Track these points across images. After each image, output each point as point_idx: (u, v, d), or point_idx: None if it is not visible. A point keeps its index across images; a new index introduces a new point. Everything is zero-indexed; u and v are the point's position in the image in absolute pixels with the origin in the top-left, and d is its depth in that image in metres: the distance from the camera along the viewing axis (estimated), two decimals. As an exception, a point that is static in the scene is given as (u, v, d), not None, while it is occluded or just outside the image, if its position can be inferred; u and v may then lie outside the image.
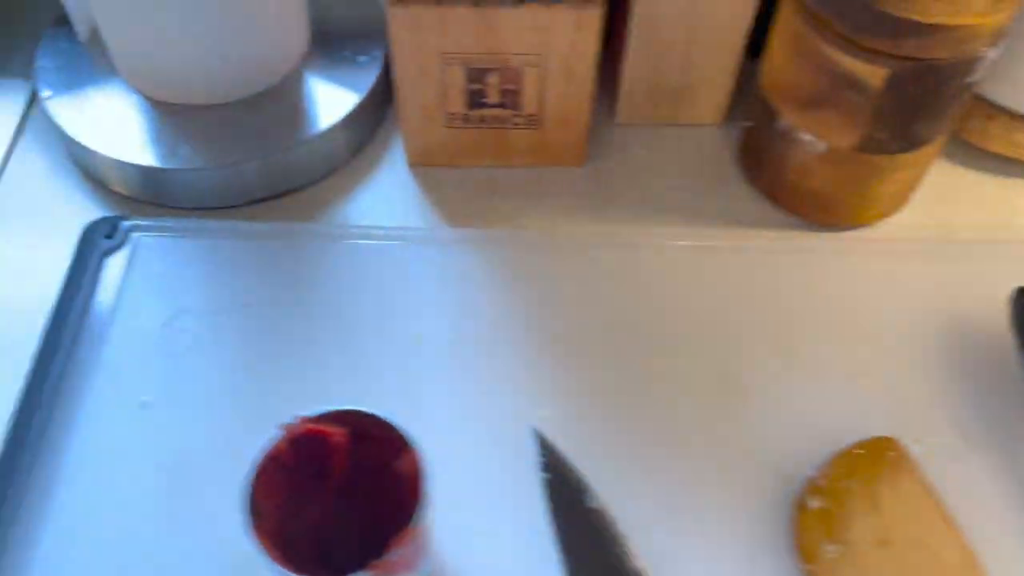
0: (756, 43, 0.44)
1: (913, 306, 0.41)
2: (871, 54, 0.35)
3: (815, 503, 0.35)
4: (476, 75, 0.41)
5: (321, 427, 0.26)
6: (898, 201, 0.43)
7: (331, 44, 0.47)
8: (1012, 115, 0.44)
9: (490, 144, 0.44)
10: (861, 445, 0.36)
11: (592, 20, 0.39)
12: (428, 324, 0.40)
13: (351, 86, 0.46)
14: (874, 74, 0.36)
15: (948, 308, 0.40)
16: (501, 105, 0.42)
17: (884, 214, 0.43)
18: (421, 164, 0.46)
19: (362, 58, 0.46)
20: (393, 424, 0.27)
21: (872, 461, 0.36)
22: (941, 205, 0.44)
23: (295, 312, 0.40)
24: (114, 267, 0.41)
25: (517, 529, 0.34)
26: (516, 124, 0.43)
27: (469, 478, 0.35)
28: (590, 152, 0.46)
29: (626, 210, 0.45)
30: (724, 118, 0.47)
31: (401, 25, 0.39)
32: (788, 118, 0.40)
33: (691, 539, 0.34)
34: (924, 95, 0.37)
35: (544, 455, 0.35)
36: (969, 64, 0.35)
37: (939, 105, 0.37)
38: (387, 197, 0.45)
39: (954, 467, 0.36)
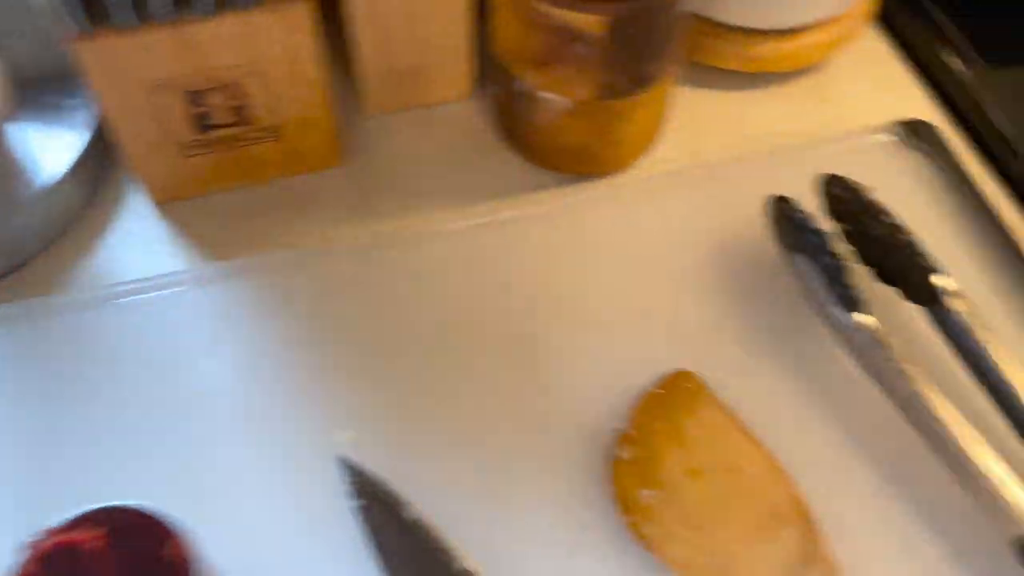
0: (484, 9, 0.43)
1: (680, 237, 0.41)
2: (588, 4, 0.35)
3: (626, 453, 0.35)
4: (195, 98, 0.38)
5: (71, 536, 0.24)
6: (649, 137, 0.44)
7: (31, 92, 0.42)
8: (741, 31, 0.45)
9: (236, 164, 0.42)
10: (660, 384, 0.37)
11: (300, 19, 0.36)
12: (208, 376, 0.37)
13: (66, 133, 0.41)
14: (595, 23, 0.36)
15: (713, 230, 0.42)
16: (234, 123, 0.40)
17: (640, 152, 0.44)
18: (168, 200, 0.42)
19: (69, 101, 0.42)
20: (152, 512, 0.24)
21: (672, 398, 0.37)
22: (692, 132, 0.45)
23: (52, 400, 0.36)
24: None
25: (338, 568, 0.33)
26: (257, 139, 0.41)
27: (280, 530, 0.33)
28: (345, 151, 0.44)
29: (394, 203, 0.43)
30: (473, 89, 0.46)
31: (92, 61, 0.35)
32: (525, 80, 0.40)
33: (516, 522, 0.34)
34: (646, 33, 0.37)
35: (352, 480, 0.34)
36: (677, -4, 0.36)
37: (662, 40, 0.38)
38: (137, 245, 0.41)
39: (747, 384, 0.37)
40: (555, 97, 0.39)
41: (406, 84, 0.45)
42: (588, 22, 0.36)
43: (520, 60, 0.39)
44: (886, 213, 0.38)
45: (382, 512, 0.33)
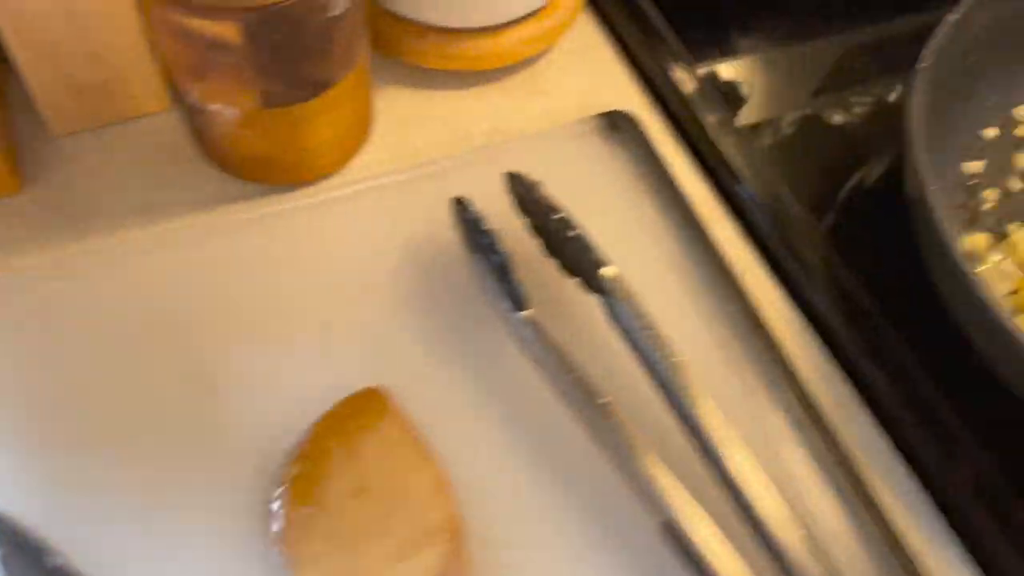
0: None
1: (377, 246, 0.41)
2: (215, 11, 0.34)
3: (294, 471, 0.34)
4: None
5: None
6: (351, 142, 0.43)
7: None
8: (440, 31, 0.44)
9: None
10: (343, 402, 0.36)
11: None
12: None
13: None
14: (228, 30, 0.34)
15: (410, 237, 0.41)
16: None
17: (342, 158, 0.43)
18: None
19: None
20: None
21: (353, 414, 0.35)
22: (402, 134, 0.45)
23: None
24: None
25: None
26: (-91, 170, 0.38)
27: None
28: (27, 175, 0.42)
29: (81, 226, 0.41)
30: (172, 101, 0.44)
31: None
32: (191, 93, 0.38)
33: (176, 559, 0.33)
34: (292, 39, 0.36)
35: (-8, 530, 0.32)
36: (323, 1, 0.35)
37: (319, 44, 0.37)
38: None
39: (433, 394, 0.36)
40: (222, 108, 0.38)
41: (92, 101, 0.42)
42: (220, 30, 0.34)
43: (179, 73, 0.38)
44: (555, 209, 0.37)
45: (23, 561, 0.32)
